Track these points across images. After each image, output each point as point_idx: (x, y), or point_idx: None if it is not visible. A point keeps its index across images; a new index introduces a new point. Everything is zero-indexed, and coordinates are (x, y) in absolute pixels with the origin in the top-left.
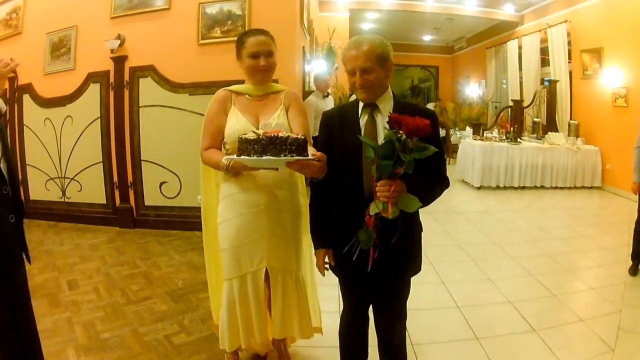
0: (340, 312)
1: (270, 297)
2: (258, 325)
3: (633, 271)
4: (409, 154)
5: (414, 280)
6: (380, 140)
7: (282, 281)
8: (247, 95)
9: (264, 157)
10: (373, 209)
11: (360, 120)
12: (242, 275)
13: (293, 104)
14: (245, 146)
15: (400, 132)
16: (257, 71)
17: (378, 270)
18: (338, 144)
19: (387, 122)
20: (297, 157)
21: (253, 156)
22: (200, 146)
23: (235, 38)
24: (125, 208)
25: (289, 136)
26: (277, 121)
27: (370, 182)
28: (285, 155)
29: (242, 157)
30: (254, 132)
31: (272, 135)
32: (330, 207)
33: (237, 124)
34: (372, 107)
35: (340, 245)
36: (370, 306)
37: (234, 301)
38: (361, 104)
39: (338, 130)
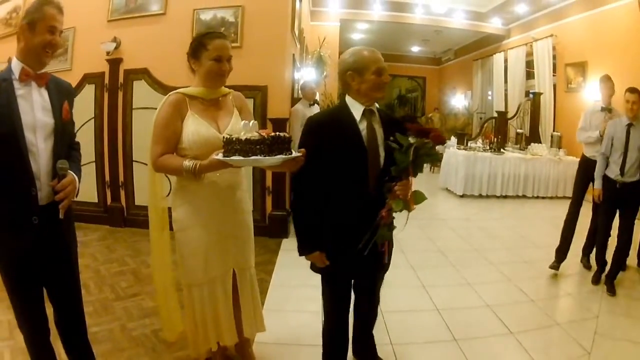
0: (322, 311)
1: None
2: (227, 327)
3: (596, 280)
4: (430, 157)
5: (395, 283)
6: (380, 142)
7: (250, 280)
8: (201, 100)
9: (279, 156)
10: (397, 206)
11: (359, 125)
12: (211, 280)
13: (244, 106)
14: (249, 146)
15: (427, 140)
16: (218, 75)
17: (373, 263)
18: (337, 148)
19: (409, 132)
20: (296, 154)
21: (260, 155)
22: (152, 153)
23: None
24: (116, 207)
25: (285, 135)
26: (253, 121)
27: (374, 181)
28: (286, 154)
29: (253, 157)
30: (257, 132)
31: (275, 135)
32: (321, 209)
33: (201, 129)
34: (370, 112)
35: (336, 245)
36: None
37: (203, 307)
38: (359, 109)
39: (334, 135)
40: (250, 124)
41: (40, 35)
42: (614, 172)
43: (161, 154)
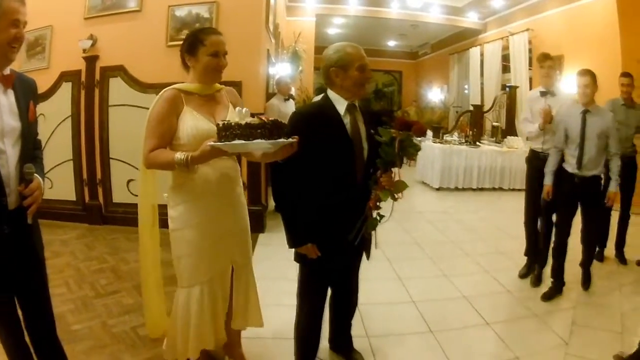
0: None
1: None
2: (223, 324)
3: (547, 296)
4: (413, 148)
5: (372, 276)
6: (364, 136)
7: (245, 275)
8: (197, 95)
9: (280, 140)
10: (385, 196)
11: (344, 119)
12: (210, 279)
13: (238, 102)
14: (250, 131)
15: (410, 132)
16: (216, 70)
17: (358, 254)
18: (324, 141)
19: (393, 125)
20: (292, 140)
21: (261, 139)
22: (144, 149)
23: None
24: (94, 205)
25: (282, 121)
26: (245, 108)
27: (361, 172)
28: (286, 138)
29: (256, 140)
30: (258, 117)
31: (275, 120)
32: (309, 201)
33: (199, 124)
34: (353, 107)
35: (326, 237)
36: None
37: (202, 307)
38: (343, 104)
39: (323, 128)
40: (244, 110)
41: (4, 32)
42: (571, 166)
43: (153, 149)
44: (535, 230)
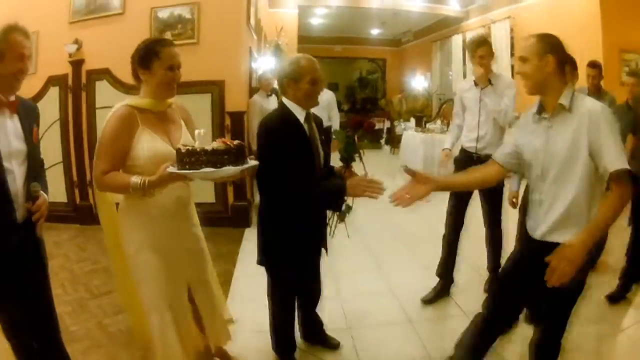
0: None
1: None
2: (194, 341)
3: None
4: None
5: (352, 268)
6: (318, 142)
7: (205, 293)
8: (150, 112)
9: (246, 165)
10: None
11: (304, 127)
12: (169, 304)
13: (188, 117)
14: (217, 157)
15: (362, 130)
16: (171, 85)
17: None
18: (294, 150)
19: (349, 125)
20: (254, 162)
21: (228, 165)
22: (96, 170)
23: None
24: (85, 206)
25: (243, 143)
26: (203, 130)
27: (319, 169)
28: (248, 162)
29: (225, 167)
30: (222, 141)
31: (239, 143)
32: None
33: (157, 145)
34: (309, 116)
35: (313, 231)
36: None
37: (167, 330)
38: (302, 114)
39: (292, 139)
40: (202, 132)
41: (11, 64)
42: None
43: (106, 172)
44: (454, 253)
